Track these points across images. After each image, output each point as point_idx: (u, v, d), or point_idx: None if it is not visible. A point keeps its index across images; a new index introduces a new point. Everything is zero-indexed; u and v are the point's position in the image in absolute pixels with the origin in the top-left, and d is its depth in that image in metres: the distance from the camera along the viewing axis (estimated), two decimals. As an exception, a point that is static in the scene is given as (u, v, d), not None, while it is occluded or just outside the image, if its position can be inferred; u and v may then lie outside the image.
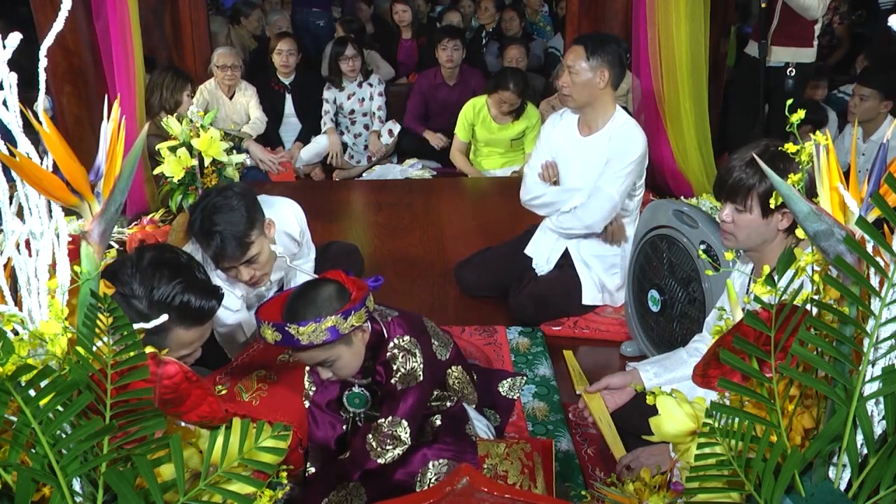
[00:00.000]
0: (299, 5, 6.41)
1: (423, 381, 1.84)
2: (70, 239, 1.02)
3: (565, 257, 2.87)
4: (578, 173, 2.81)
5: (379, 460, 1.79)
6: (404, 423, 1.81)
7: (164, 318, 1.16)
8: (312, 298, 1.70)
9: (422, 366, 1.83)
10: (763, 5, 3.87)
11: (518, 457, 1.91)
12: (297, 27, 6.12)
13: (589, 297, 2.81)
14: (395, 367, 1.82)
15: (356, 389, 1.88)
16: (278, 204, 2.43)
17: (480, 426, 2.05)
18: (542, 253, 2.92)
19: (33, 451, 0.91)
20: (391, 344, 1.82)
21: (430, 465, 1.83)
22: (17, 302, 1.00)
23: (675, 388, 1.16)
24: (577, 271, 2.82)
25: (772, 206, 1.11)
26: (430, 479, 1.81)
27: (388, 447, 1.80)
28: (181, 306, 1.55)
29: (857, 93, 4.03)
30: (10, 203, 1.00)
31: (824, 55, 5.52)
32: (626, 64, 3.33)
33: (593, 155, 2.77)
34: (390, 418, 1.81)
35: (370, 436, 1.82)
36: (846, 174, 1.01)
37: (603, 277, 2.83)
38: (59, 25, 0.96)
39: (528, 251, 2.96)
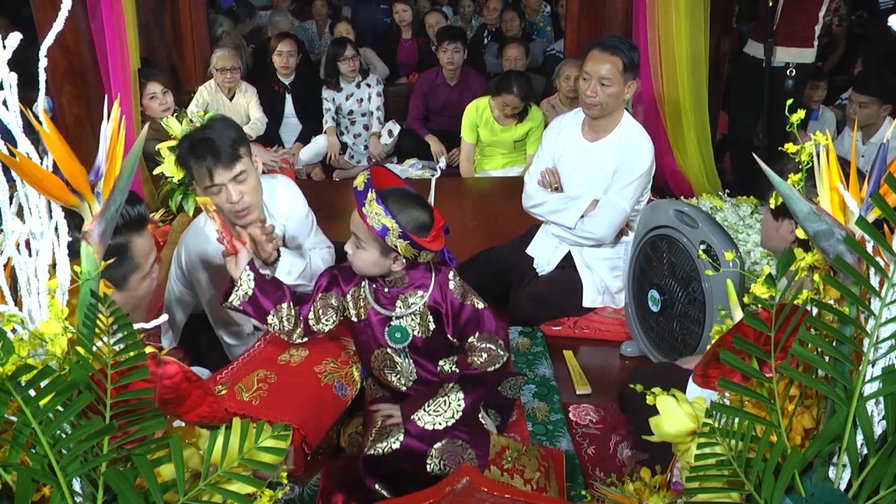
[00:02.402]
0: (365, 1, 6.41)
1: (488, 308, 1.90)
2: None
3: (567, 259, 2.87)
4: (583, 179, 2.79)
5: (475, 369, 1.87)
6: (494, 336, 1.88)
7: (165, 317, 1.17)
8: (407, 201, 1.77)
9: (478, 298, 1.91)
10: (770, 4, 3.86)
11: (535, 455, 1.94)
12: (362, 23, 6.15)
13: (589, 299, 2.81)
14: (456, 292, 1.88)
15: (395, 323, 1.89)
16: (280, 178, 2.49)
17: (489, 420, 2.06)
18: (543, 254, 2.92)
19: (33, 451, 0.91)
20: (451, 273, 1.89)
21: (444, 441, 1.82)
22: (17, 302, 1.00)
23: (674, 389, 1.16)
24: (578, 273, 2.82)
25: (772, 207, 1.12)
26: (442, 450, 1.80)
27: (481, 358, 1.87)
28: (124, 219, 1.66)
29: (854, 100, 4.01)
30: (10, 203, 1.00)
31: (824, 56, 5.52)
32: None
33: (600, 160, 2.76)
34: (477, 334, 1.88)
35: (465, 354, 1.89)
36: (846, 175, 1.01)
37: (605, 279, 2.83)
38: (59, 25, 0.96)
39: (529, 251, 2.95)
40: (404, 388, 1.97)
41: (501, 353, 1.89)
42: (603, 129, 2.77)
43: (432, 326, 1.90)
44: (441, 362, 1.96)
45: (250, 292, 1.91)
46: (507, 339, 1.95)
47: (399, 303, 1.88)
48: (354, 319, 1.95)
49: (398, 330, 1.90)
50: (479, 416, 2.00)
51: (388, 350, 1.93)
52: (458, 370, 1.94)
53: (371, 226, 1.71)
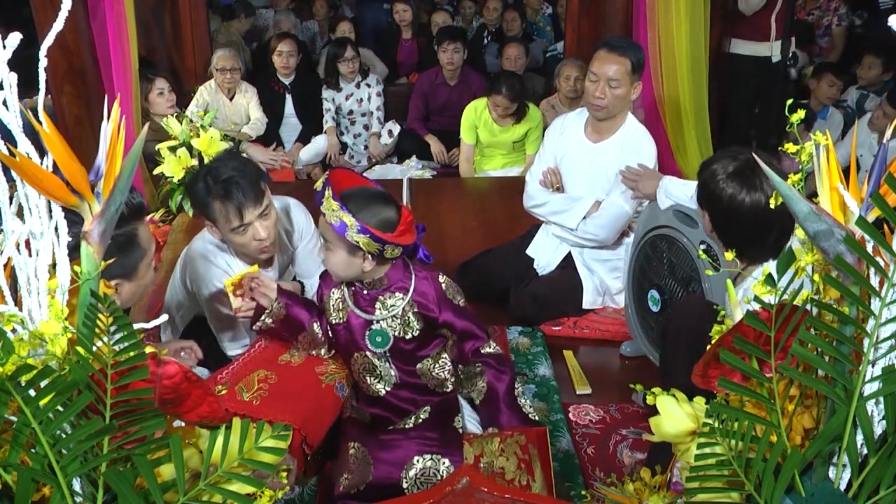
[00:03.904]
0: (368, 1, 6.42)
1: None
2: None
3: (567, 259, 2.86)
4: (586, 180, 2.78)
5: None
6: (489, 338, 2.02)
7: (165, 317, 1.16)
8: (370, 199, 1.78)
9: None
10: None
11: (513, 451, 1.93)
12: (365, 21, 6.16)
13: (589, 300, 2.81)
14: (451, 296, 1.93)
15: (375, 326, 1.89)
16: (290, 199, 2.48)
17: (471, 419, 2.06)
18: (544, 255, 2.91)
19: (33, 451, 0.91)
20: (441, 278, 1.93)
21: (415, 460, 1.86)
22: (17, 302, 1.00)
23: (674, 389, 1.16)
24: (578, 274, 2.82)
25: (771, 206, 1.11)
26: (416, 474, 1.84)
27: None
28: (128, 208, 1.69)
29: (884, 110, 4.04)
30: (10, 203, 1.00)
31: (822, 56, 5.53)
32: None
33: (603, 162, 2.74)
34: (485, 343, 1.99)
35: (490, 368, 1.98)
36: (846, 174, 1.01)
37: (606, 280, 2.82)
38: (59, 25, 0.96)
39: (529, 251, 2.95)
40: (383, 393, 1.96)
41: (494, 345, 2.02)
42: (607, 130, 2.76)
43: (418, 328, 1.89)
44: (419, 364, 1.96)
45: (282, 313, 1.97)
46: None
47: (379, 305, 1.88)
48: (334, 322, 1.95)
49: (379, 334, 1.90)
50: (455, 419, 1.99)
51: (368, 354, 1.93)
52: (447, 377, 1.99)
53: (331, 223, 1.71)
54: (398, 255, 1.81)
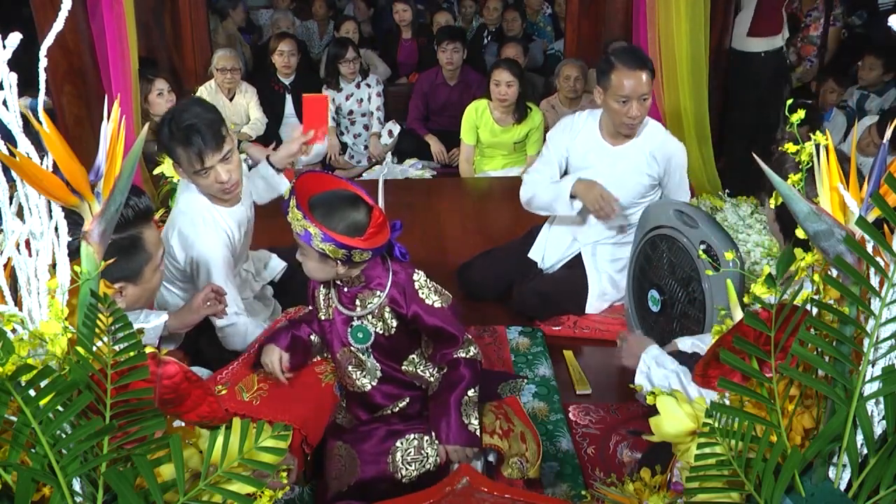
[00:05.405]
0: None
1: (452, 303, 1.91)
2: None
3: (576, 258, 2.85)
4: (611, 184, 2.68)
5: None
6: (467, 342, 1.92)
7: (165, 316, 1.17)
8: (337, 204, 1.75)
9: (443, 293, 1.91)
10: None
11: (489, 409, 1.99)
12: (388, 17, 6.14)
13: (593, 306, 2.80)
14: (424, 295, 1.87)
15: (356, 323, 1.89)
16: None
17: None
18: (549, 253, 2.89)
19: (33, 451, 0.91)
20: (416, 275, 1.87)
21: (399, 443, 1.88)
22: (17, 302, 1.00)
23: (675, 389, 1.16)
24: (585, 275, 2.81)
25: (772, 206, 1.12)
26: (403, 456, 1.87)
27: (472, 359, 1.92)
28: (135, 211, 1.76)
29: (875, 141, 4.01)
30: (10, 203, 1.00)
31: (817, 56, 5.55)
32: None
33: (629, 165, 2.70)
34: (458, 347, 1.90)
35: (460, 368, 1.90)
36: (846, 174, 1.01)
37: (615, 276, 2.81)
38: (59, 25, 0.96)
39: (532, 255, 2.93)
40: (368, 388, 1.96)
41: (474, 350, 1.93)
42: (627, 133, 2.73)
43: (394, 325, 1.89)
44: (405, 363, 1.95)
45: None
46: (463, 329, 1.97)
47: (358, 302, 1.88)
48: (323, 318, 1.97)
49: (360, 330, 1.90)
50: None
51: (352, 349, 1.94)
52: (431, 375, 1.96)
53: (297, 233, 1.71)
54: (368, 259, 1.80)
